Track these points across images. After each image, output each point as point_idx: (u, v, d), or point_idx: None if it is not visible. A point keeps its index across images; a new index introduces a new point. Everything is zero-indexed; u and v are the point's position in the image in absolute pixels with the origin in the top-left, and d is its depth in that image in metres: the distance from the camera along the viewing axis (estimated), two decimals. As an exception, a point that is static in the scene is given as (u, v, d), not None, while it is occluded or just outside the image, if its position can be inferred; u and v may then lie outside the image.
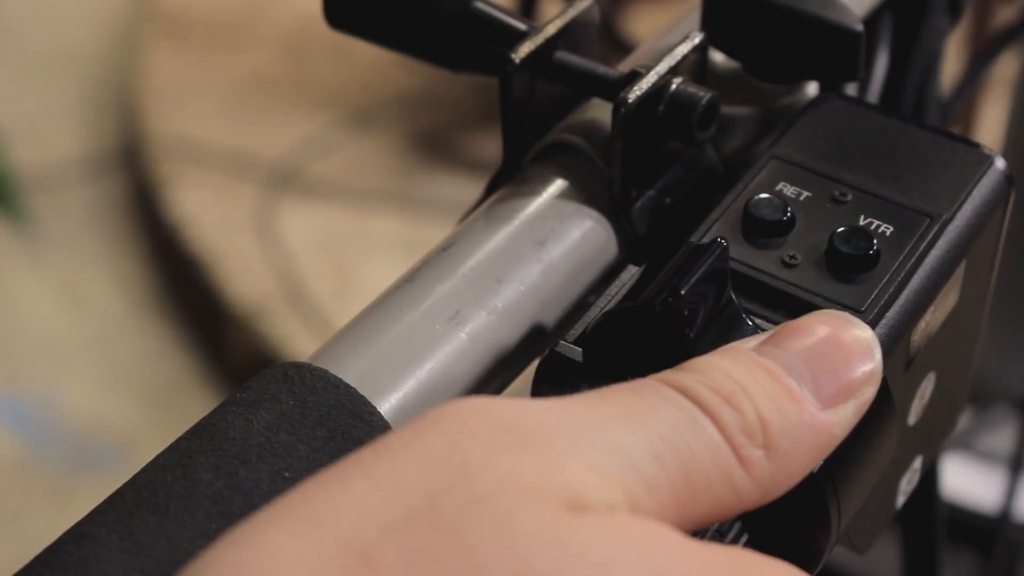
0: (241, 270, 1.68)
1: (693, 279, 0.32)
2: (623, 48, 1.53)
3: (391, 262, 1.68)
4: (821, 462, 0.31)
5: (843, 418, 0.29)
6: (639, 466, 0.26)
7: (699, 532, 0.31)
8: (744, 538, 0.32)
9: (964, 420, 1.23)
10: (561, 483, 0.25)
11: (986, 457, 1.22)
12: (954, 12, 0.54)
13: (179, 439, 0.32)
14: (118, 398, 1.67)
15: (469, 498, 0.24)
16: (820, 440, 0.29)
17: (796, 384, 0.29)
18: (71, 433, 1.63)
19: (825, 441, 0.29)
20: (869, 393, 0.30)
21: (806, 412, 0.29)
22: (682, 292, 0.31)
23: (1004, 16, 1.48)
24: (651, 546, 0.25)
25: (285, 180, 1.81)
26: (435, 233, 0.38)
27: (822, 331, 0.30)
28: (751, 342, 0.30)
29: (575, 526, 0.25)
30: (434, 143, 1.87)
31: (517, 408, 0.27)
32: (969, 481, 1.20)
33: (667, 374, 0.29)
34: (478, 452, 0.25)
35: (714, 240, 0.33)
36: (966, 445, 1.22)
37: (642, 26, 1.78)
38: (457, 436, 0.25)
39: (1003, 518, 1.14)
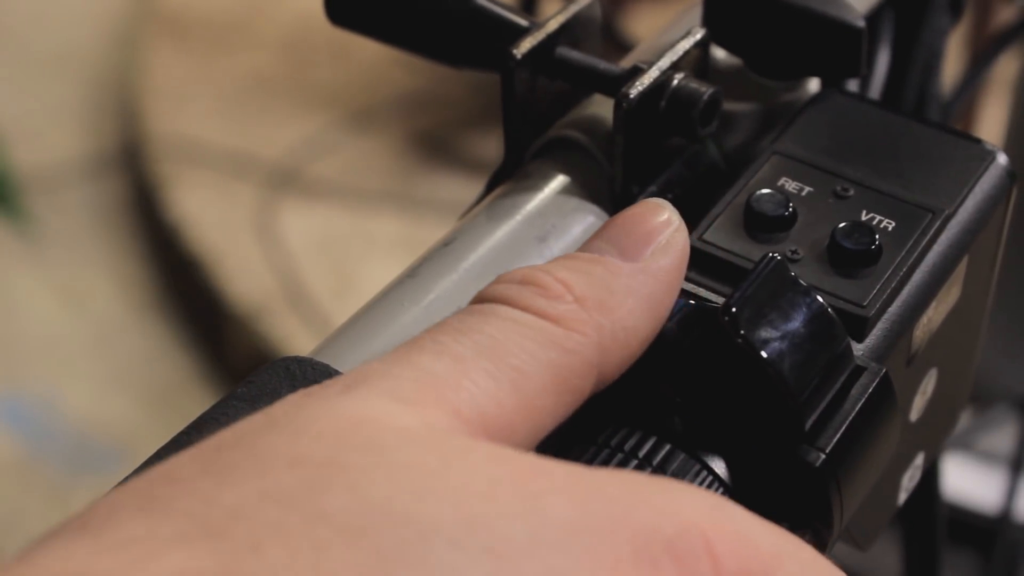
0: (241, 270, 1.68)
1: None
2: (623, 47, 1.52)
3: (391, 262, 1.68)
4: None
5: (657, 263, 0.30)
6: (454, 383, 0.26)
7: None
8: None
9: (964, 419, 1.23)
10: (368, 411, 0.25)
11: (986, 457, 1.22)
12: (955, 10, 0.54)
13: (180, 433, 0.32)
14: (118, 398, 1.67)
15: (270, 421, 0.25)
16: (637, 282, 0.30)
17: (597, 255, 0.30)
18: (71, 433, 1.63)
19: (646, 282, 0.30)
20: (676, 238, 0.31)
21: (611, 264, 0.30)
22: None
23: (1004, 16, 1.48)
24: (513, 468, 0.25)
25: (285, 180, 1.81)
26: (435, 233, 0.38)
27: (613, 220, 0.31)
28: None
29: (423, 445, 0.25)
30: (434, 143, 1.87)
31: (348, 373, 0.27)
32: (969, 481, 1.20)
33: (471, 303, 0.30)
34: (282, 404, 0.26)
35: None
36: (966, 445, 1.22)
37: (642, 26, 1.78)
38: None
39: (1003, 518, 1.13)
